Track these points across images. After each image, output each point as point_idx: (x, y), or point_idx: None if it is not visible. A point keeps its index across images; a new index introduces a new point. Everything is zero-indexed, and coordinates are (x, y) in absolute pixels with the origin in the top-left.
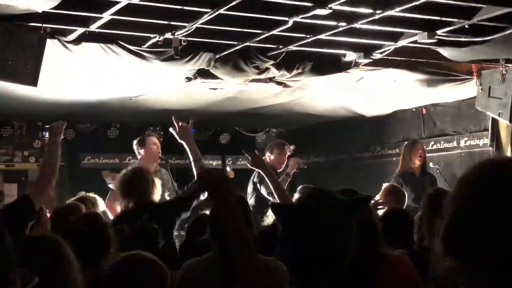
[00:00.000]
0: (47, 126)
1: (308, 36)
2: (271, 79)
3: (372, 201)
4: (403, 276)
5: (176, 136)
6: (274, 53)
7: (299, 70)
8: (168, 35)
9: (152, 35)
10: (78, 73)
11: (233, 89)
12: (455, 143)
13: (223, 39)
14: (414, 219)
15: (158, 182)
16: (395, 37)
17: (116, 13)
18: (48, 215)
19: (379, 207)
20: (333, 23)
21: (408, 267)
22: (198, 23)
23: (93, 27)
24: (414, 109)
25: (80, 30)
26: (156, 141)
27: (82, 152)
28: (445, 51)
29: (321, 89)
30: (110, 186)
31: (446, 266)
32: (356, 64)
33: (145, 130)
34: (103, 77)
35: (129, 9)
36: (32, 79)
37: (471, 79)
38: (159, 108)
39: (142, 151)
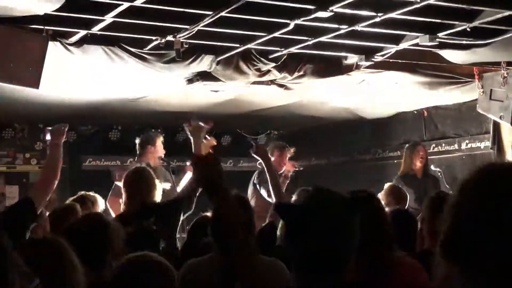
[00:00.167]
0: (49, 128)
1: (309, 38)
2: (272, 82)
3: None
4: (414, 283)
5: (187, 131)
6: (275, 55)
7: (301, 73)
8: (169, 38)
9: (153, 38)
10: (80, 75)
11: (234, 91)
12: (456, 146)
13: (225, 42)
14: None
15: (159, 183)
16: (397, 39)
17: (118, 15)
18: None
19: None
20: (335, 25)
21: (419, 274)
22: (199, 26)
23: (95, 30)
24: (415, 112)
25: (82, 33)
26: (161, 143)
27: (83, 154)
28: (446, 54)
29: (322, 91)
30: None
31: (446, 270)
32: (358, 67)
33: (147, 132)
34: (104, 79)
35: (131, 12)
36: (34, 81)
37: (473, 82)
38: (161, 110)
39: (150, 148)
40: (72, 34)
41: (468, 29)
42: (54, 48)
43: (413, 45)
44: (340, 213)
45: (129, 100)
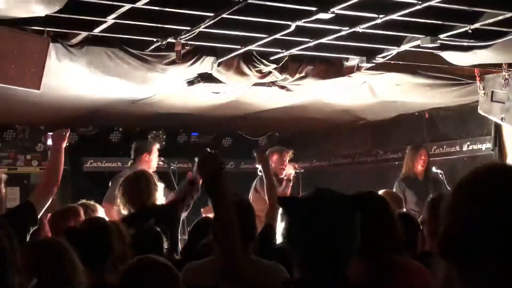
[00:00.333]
0: (51, 134)
1: (310, 40)
2: (273, 83)
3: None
4: (418, 285)
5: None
6: (276, 57)
7: (302, 74)
8: (171, 39)
9: (155, 39)
10: (81, 77)
11: (235, 93)
12: (457, 148)
13: (226, 43)
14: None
15: (160, 185)
16: (398, 41)
17: (119, 17)
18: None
19: None
20: (336, 27)
21: (423, 276)
22: (201, 27)
23: (96, 31)
24: (416, 113)
25: (83, 34)
26: (157, 151)
27: (84, 156)
28: (448, 56)
29: (323, 93)
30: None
31: (446, 270)
32: (359, 68)
33: (148, 133)
34: (105, 80)
35: (132, 13)
36: (35, 83)
37: (474, 84)
38: (162, 112)
39: (145, 157)
40: (73, 35)
41: (469, 31)
42: (55, 50)
43: (414, 46)
44: (341, 208)
45: (130, 102)
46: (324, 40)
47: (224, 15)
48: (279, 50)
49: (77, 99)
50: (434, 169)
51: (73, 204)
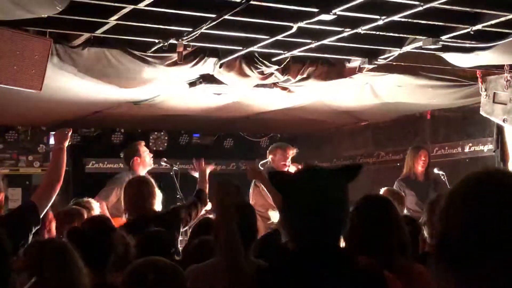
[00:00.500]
0: (53, 133)
1: (312, 41)
2: (275, 84)
3: None
4: None
5: (192, 171)
6: (278, 58)
7: (304, 76)
8: (173, 40)
9: (157, 40)
10: (82, 78)
11: (237, 94)
12: (459, 149)
13: (228, 44)
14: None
15: (159, 193)
16: (400, 42)
17: (121, 18)
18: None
19: None
20: (338, 28)
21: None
22: (202, 28)
23: (98, 32)
24: (418, 115)
25: (85, 35)
26: (146, 148)
27: (86, 157)
28: (449, 57)
29: (325, 94)
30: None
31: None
32: (361, 70)
33: (150, 135)
34: (108, 82)
35: (134, 14)
36: (37, 84)
37: (476, 85)
38: (164, 113)
39: (136, 160)
40: (76, 36)
41: (471, 32)
42: (57, 51)
43: (416, 48)
44: (330, 181)
45: (132, 103)
46: (326, 42)
47: (226, 16)
48: (281, 52)
49: (79, 100)
50: (436, 170)
51: (76, 207)
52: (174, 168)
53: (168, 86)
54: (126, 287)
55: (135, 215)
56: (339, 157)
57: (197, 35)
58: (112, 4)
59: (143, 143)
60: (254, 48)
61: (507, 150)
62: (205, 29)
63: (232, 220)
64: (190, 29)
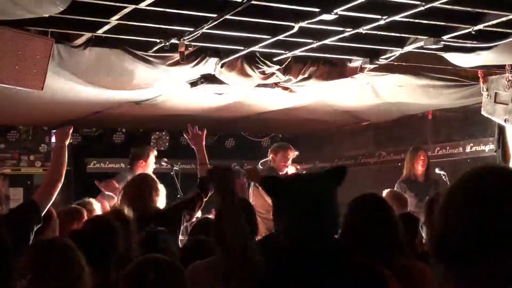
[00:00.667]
0: (54, 131)
1: (314, 41)
2: (276, 84)
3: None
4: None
5: (189, 142)
6: (280, 58)
7: (305, 75)
8: (174, 40)
9: (158, 40)
10: (84, 78)
11: (239, 94)
12: (461, 149)
13: (229, 44)
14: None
15: (162, 189)
16: (401, 42)
17: (123, 18)
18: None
19: None
20: (339, 28)
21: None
22: (204, 28)
23: (99, 32)
24: (420, 115)
25: (87, 35)
26: (154, 159)
27: (88, 156)
28: (451, 57)
29: (326, 94)
30: None
31: (440, 273)
32: (362, 70)
33: (151, 134)
34: (109, 81)
35: (135, 14)
36: (38, 84)
37: (477, 85)
38: (165, 113)
39: (141, 163)
40: (77, 36)
41: (472, 32)
42: (58, 51)
43: (417, 48)
44: (320, 183)
45: (134, 103)
46: (327, 41)
47: (228, 16)
48: (282, 51)
49: (80, 100)
50: (437, 171)
51: (77, 206)
52: (175, 168)
53: (170, 86)
54: (127, 286)
55: (136, 213)
56: (340, 157)
57: (198, 35)
58: (114, 4)
59: (155, 152)
60: (255, 48)
61: (509, 150)
62: (207, 29)
63: (238, 217)
64: (192, 29)
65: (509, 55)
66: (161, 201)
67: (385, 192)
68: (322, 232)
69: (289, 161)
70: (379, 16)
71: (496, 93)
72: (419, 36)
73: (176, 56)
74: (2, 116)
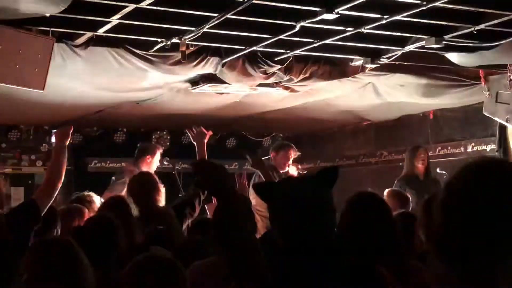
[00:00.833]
0: (54, 130)
1: (315, 40)
2: (278, 84)
3: None
4: None
5: (191, 138)
6: (281, 57)
7: (306, 75)
8: (175, 40)
9: (159, 40)
10: (85, 77)
11: (240, 93)
12: (462, 149)
13: (230, 44)
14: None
15: (162, 189)
16: (403, 42)
17: (124, 17)
18: None
19: None
20: (341, 28)
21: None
22: (205, 28)
23: (100, 31)
24: (421, 114)
25: (87, 34)
26: (159, 157)
27: (89, 156)
28: (452, 56)
29: (328, 94)
30: None
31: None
32: (363, 69)
33: (152, 134)
34: (110, 81)
35: (136, 14)
36: (39, 83)
37: (479, 84)
38: (166, 113)
39: (147, 159)
40: (78, 36)
41: (474, 32)
42: (59, 50)
43: (419, 47)
44: (308, 183)
45: (135, 102)
46: (328, 41)
47: (229, 16)
48: (284, 51)
49: (82, 99)
50: (438, 170)
51: (77, 205)
52: (176, 167)
53: (171, 85)
54: (128, 283)
55: (140, 211)
56: (341, 156)
57: (199, 34)
58: (115, 3)
59: (161, 149)
60: (256, 48)
61: (510, 150)
62: (208, 28)
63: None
64: (193, 28)
65: (510, 55)
66: (162, 201)
67: (386, 191)
68: (316, 234)
69: (290, 161)
70: (380, 16)
71: (497, 92)
72: (420, 36)
73: (177, 56)
74: (3, 116)
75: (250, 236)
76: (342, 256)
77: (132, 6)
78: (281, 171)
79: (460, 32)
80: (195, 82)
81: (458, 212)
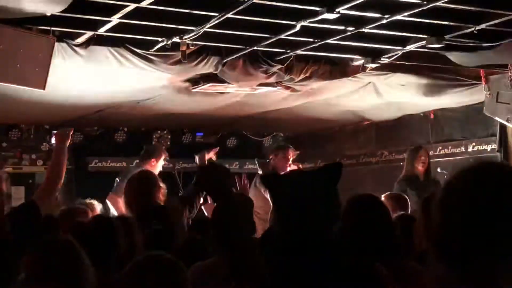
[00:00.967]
0: (55, 132)
1: (316, 40)
2: (278, 84)
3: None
4: None
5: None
6: (281, 57)
7: (307, 75)
8: (176, 39)
9: (160, 39)
10: (86, 77)
11: (241, 93)
12: (462, 148)
13: (231, 43)
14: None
15: (163, 187)
16: (403, 41)
17: (124, 16)
18: None
19: None
20: (341, 27)
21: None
22: (206, 27)
23: (101, 31)
24: (422, 114)
25: (88, 34)
26: (163, 161)
27: (89, 155)
28: (453, 56)
29: (328, 93)
30: None
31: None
32: (364, 69)
33: (153, 134)
34: (111, 80)
35: (137, 13)
36: (40, 82)
37: (479, 84)
38: (167, 112)
39: (152, 161)
40: (79, 35)
41: (475, 31)
42: (60, 49)
43: (419, 47)
44: (312, 177)
45: (135, 102)
46: (329, 41)
47: (229, 15)
48: (284, 51)
49: (82, 98)
50: (439, 170)
51: (79, 206)
52: (177, 167)
53: (171, 85)
54: (128, 284)
55: (139, 209)
56: (342, 156)
57: (200, 33)
58: (115, 2)
59: (166, 154)
60: (257, 47)
61: (511, 149)
62: (208, 27)
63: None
64: (193, 28)
65: (511, 55)
66: (162, 199)
67: (383, 196)
68: (315, 229)
69: (290, 161)
70: (381, 15)
71: (498, 92)
72: (421, 35)
73: (178, 55)
74: (3, 115)
75: (249, 236)
76: (342, 255)
77: (132, 6)
78: (282, 173)
79: (461, 32)
80: (195, 81)
81: (457, 212)
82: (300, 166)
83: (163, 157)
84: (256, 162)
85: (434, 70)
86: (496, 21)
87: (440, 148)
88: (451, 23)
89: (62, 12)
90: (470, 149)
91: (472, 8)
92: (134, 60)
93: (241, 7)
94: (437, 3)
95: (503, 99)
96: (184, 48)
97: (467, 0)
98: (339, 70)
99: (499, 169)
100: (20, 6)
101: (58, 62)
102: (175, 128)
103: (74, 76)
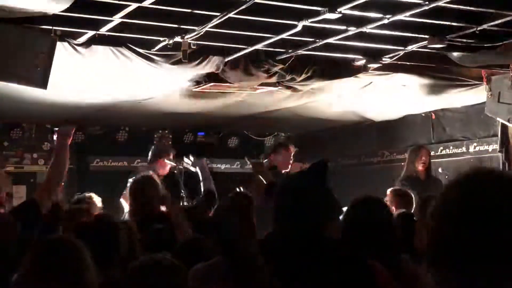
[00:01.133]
0: (56, 129)
1: (317, 40)
2: (280, 83)
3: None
4: None
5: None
6: (283, 57)
7: (308, 75)
8: (177, 39)
9: (161, 39)
10: (87, 76)
11: (242, 93)
12: (464, 149)
13: (233, 43)
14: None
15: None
16: (405, 41)
17: (126, 16)
18: None
19: None
20: (343, 27)
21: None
22: (207, 27)
23: (103, 30)
24: (423, 114)
25: (90, 33)
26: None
27: (91, 155)
28: (454, 56)
29: (330, 93)
30: None
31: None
32: (366, 69)
33: (154, 133)
34: (112, 80)
35: (139, 13)
36: (42, 82)
37: (481, 85)
38: (168, 112)
39: (160, 161)
40: (80, 34)
41: (476, 32)
42: (62, 49)
43: (421, 47)
44: (298, 179)
45: (137, 101)
46: (331, 40)
47: (231, 15)
48: (286, 50)
49: (84, 98)
50: (440, 170)
51: (81, 205)
52: (179, 167)
53: (173, 84)
54: (130, 285)
55: (142, 214)
56: (343, 156)
57: (201, 33)
58: (117, 2)
59: (174, 152)
60: (259, 47)
61: None
62: (210, 27)
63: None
64: (195, 28)
65: None
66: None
67: (388, 190)
68: (309, 228)
69: (292, 158)
70: (383, 15)
71: (499, 92)
72: (423, 36)
73: (179, 55)
74: (5, 114)
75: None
76: (331, 249)
77: (134, 5)
78: (283, 171)
79: (462, 32)
80: (197, 81)
81: (454, 220)
82: (302, 165)
83: (172, 154)
84: (247, 161)
85: (435, 70)
86: (497, 22)
87: (442, 148)
88: (453, 23)
89: (64, 11)
90: (471, 149)
91: (474, 9)
92: (136, 59)
93: (242, 7)
94: (439, 3)
95: (504, 99)
96: (185, 47)
97: (468, 1)
98: (341, 70)
99: (494, 178)
100: (22, 5)
101: (60, 62)
102: (177, 128)
103: (76, 76)
